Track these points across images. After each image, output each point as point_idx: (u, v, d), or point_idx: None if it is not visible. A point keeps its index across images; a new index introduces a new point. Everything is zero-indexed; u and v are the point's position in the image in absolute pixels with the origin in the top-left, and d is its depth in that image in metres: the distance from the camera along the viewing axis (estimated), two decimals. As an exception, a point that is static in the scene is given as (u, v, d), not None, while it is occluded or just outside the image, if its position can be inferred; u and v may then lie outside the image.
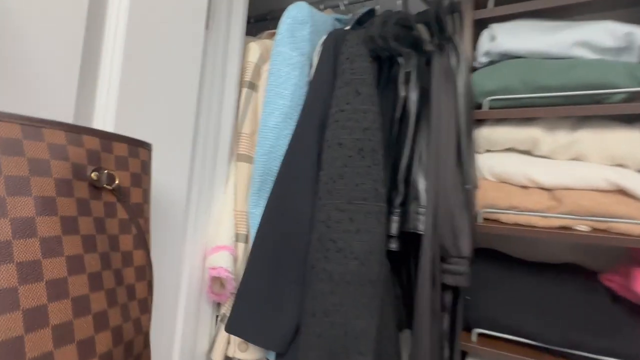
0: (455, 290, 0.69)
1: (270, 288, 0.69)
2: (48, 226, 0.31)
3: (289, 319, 0.69)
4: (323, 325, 0.64)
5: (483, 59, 0.81)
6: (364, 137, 0.68)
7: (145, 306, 0.41)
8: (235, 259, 0.71)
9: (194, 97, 0.62)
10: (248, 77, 0.80)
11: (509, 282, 0.78)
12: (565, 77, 0.70)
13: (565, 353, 0.66)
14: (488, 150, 0.81)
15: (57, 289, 0.30)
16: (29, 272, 0.29)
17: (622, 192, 0.66)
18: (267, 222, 0.70)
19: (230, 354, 0.71)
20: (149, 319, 0.41)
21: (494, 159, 0.79)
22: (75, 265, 0.32)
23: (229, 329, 0.68)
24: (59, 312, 0.30)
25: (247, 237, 0.73)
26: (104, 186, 0.37)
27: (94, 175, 0.36)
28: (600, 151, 0.69)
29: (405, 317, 0.81)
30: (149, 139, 0.53)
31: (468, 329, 0.75)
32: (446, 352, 0.68)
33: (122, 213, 0.40)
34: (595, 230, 0.67)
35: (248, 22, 1.09)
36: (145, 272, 0.41)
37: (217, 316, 0.75)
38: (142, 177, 0.43)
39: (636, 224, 0.64)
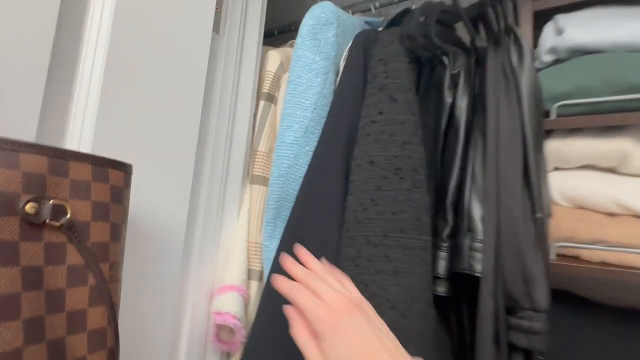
0: (527, 352, 0.53)
1: (285, 342, 0.56)
2: None
3: None
4: None
5: (547, 58, 0.67)
6: (402, 154, 0.56)
7: (101, 387, 0.30)
8: (247, 301, 0.60)
9: (197, 110, 0.53)
10: (266, 88, 0.71)
11: (594, 337, 0.61)
12: (665, 72, 0.54)
13: None
14: (557, 168, 0.66)
15: None
16: None
17: None
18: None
19: (240, 418, 0.58)
20: (107, 405, 0.30)
21: (567, 179, 0.63)
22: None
23: None
24: None
25: (262, 274, 0.62)
26: (46, 222, 0.27)
27: (30, 207, 0.26)
28: None
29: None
30: (137, 159, 0.44)
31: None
32: None
33: (74, 257, 0.29)
34: None
35: (271, 35, 1.01)
36: (105, 338, 0.31)
37: (227, 368, 0.63)
38: (110, 207, 0.33)
39: None
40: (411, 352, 0.49)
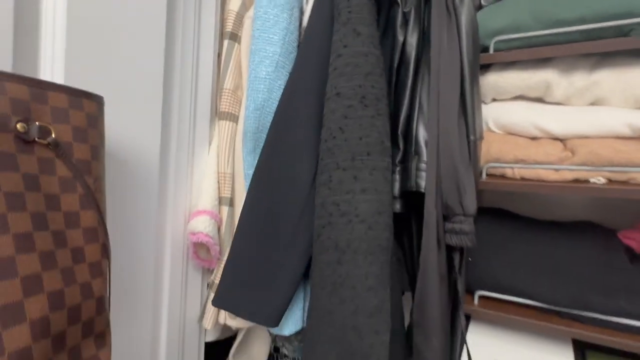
0: (460, 251, 0.64)
1: (261, 259, 0.64)
2: (-44, 181, 0.27)
3: (282, 292, 0.64)
4: (332, 301, 0.57)
5: (489, -4, 0.72)
6: (366, 84, 0.60)
7: (99, 270, 0.38)
8: (219, 223, 0.68)
9: (160, 48, 0.57)
10: (229, 27, 0.74)
11: (515, 242, 0.73)
12: (585, 7, 0.61)
13: (574, 315, 0.61)
14: (495, 99, 0.73)
15: (-31, 251, 0.27)
16: None
17: (647, 138, 0.59)
18: (257, 185, 0.65)
19: (221, 321, 0.69)
20: (104, 283, 0.38)
21: (501, 109, 0.71)
22: (-6, 225, 0.28)
23: (217, 303, 0.63)
24: (-27, 275, 0.26)
25: (231, 200, 0.70)
26: (35, 140, 0.33)
27: (20, 126, 0.32)
28: (622, 93, 0.61)
29: (409, 281, 0.76)
30: (108, 93, 0.48)
31: (470, 291, 0.71)
32: (463, 321, 0.64)
33: (63, 170, 0.36)
34: (613, 182, 0.60)
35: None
36: (97, 234, 0.38)
37: (208, 283, 0.73)
38: (88, 131, 0.39)
39: (662, 173, 0.56)
40: (380, 258, 0.57)
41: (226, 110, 0.71)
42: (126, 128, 0.53)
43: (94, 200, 0.38)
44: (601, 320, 0.59)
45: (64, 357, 0.32)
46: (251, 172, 0.65)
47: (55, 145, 0.35)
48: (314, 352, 0.59)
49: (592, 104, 0.64)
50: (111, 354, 0.38)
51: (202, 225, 0.63)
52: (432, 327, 0.58)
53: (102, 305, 0.37)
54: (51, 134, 0.35)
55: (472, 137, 0.61)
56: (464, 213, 0.57)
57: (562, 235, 0.74)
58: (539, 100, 0.69)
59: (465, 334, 0.67)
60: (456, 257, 0.65)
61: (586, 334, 0.59)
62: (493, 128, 0.71)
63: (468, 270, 0.70)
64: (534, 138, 0.68)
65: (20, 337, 0.28)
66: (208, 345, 0.81)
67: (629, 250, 0.70)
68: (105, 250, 0.39)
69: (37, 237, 0.31)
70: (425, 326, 0.59)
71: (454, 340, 0.65)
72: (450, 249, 0.64)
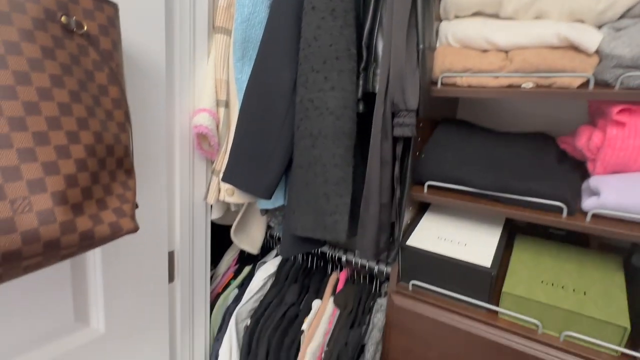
0: (407, 142, 0.78)
1: (256, 146, 0.81)
2: (30, 50, 0.43)
3: (273, 171, 0.82)
4: (308, 176, 0.75)
5: None
6: None
7: (124, 128, 0.54)
8: (217, 121, 0.84)
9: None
10: (222, -51, 0.83)
11: (465, 144, 0.86)
12: None
13: (496, 197, 0.76)
14: (457, 16, 0.82)
15: (45, 94, 0.43)
16: (23, 79, 0.41)
17: (572, 47, 0.68)
18: (251, 88, 0.80)
19: (221, 198, 0.88)
20: (128, 138, 0.55)
21: (460, 25, 0.80)
22: (56, 81, 0.44)
23: (225, 179, 0.83)
24: (49, 108, 0.43)
25: (227, 102, 0.85)
26: (74, 30, 0.48)
27: (64, 19, 0.47)
28: (560, 7, 0.69)
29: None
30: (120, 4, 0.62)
31: (422, 183, 0.86)
32: (397, 193, 0.80)
33: (94, 54, 0.51)
34: (540, 86, 0.71)
35: None
36: (121, 103, 0.54)
37: (212, 170, 0.92)
38: (109, 28, 0.53)
39: (576, 76, 0.67)
40: (345, 143, 0.73)
41: (220, 25, 0.83)
42: (135, 30, 0.67)
43: (117, 79, 0.54)
44: (514, 200, 0.74)
45: (106, 175, 0.50)
46: (240, 76, 0.80)
47: (87, 36, 0.50)
48: (295, 215, 0.78)
49: (536, 17, 0.73)
50: (136, 184, 0.56)
51: (202, 120, 0.79)
52: (370, 197, 0.75)
53: (127, 151, 0.55)
54: (84, 27, 0.49)
55: (421, 46, 0.72)
56: (407, 108, 0.71)
57: (508, 140, 0.86)
58: (495, 16, 0.78)
59: (404, 212, 0.84)
60: (399, 148, 0.78)
61: (505, 210, 0.74)
62: (452, 42, 0.81)
63: (421, 165, 0.85)
64: (484, 50, 0.78)
65: (78, 153, 0.46)
66: (215, 227, 1.02)
67: (561, 152, 0.83)
68: (127, 116, 0.56)
69: (82, 95, 0.48)
70: (366, 197, 0.76)
71: (401, 214, 0.82)
72: (398, 140, 0.78)
